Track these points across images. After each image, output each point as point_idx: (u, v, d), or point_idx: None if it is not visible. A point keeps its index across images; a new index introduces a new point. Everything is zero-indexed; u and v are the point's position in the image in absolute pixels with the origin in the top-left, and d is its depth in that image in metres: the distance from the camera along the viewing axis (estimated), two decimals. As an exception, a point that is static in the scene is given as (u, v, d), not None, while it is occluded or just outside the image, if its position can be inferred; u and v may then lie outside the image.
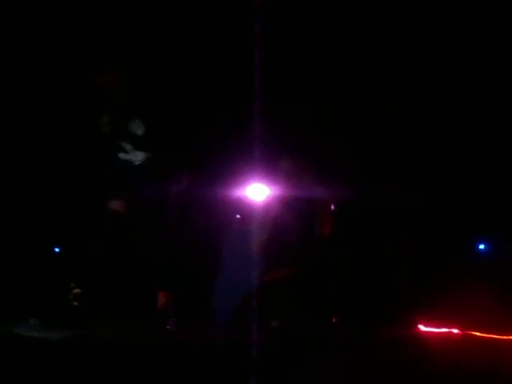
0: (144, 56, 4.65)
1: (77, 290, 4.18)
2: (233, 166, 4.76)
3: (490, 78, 4.88)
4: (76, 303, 4.17)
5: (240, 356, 3.38)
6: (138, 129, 4.28)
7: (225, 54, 4.97)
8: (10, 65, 4.67)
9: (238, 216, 4.97)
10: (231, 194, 4.74)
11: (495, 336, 4.36)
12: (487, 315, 4.46)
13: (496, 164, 4.91)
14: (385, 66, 4.94)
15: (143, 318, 4.26)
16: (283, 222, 4.54)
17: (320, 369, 3.37)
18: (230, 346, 3.69)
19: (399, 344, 3.97)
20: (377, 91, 4.95)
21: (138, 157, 4.28)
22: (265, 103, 4.54)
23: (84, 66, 4.35)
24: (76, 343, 3.58)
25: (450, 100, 4.95)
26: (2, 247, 4.68)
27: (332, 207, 4.65)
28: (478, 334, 4.45)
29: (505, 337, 4.34)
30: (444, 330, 4.60)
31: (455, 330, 4.58)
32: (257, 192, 4.73)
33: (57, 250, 4.92)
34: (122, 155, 4.28)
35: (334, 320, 4.57)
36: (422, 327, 4.63)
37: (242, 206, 4.85)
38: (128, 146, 4.28)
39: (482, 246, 5.14)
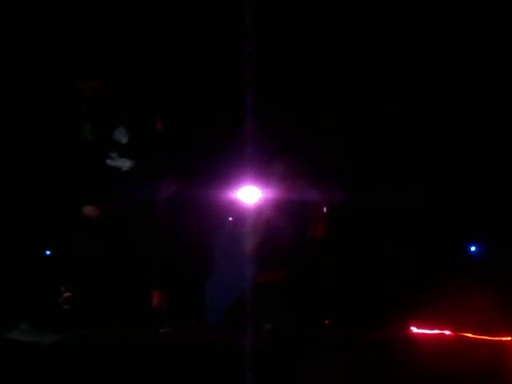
0: (130, 59, 4.66)
1: (67, 294, 4.18)
2: (225, 168, 4.75)
3: (489, 79, 4.88)
4: (67, 307, 4.16)
5: (233, 358, 3.37)
6: (124, 136, 4.31)
7: (216, 55, 4.96)
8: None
9: (230, 219, 4.96)
10: (223, 196, 4.73)
11: (487, 337, 4.37)
12: (480, 317, 4.46)
13: (490, 165, 4.92)
14: (383, 65, 4.94)
15: (137, 319, 4.26)
16: (276, 224, 4.54)
17: (313, 371, 3.37)
18: (223, 349, 3.68)
19: (391, 346, 3.98)
20: (373, 91, 4.95)
21: (125, 163, 4.31)
22: (257, 104, 4.54)
23: (70, 74, 4.37)
24: (67, 347, 3.57)
25: (448, 100, 4.95)
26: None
27: (325, 210, 4.65)
28: (470, 335, 4.46)
29: (497, 338, 4.35)
30: (436, 331, 4.60)
31: (447, 332, 4.59)
32: (249, 194, 4.73)
33: (47, 252, 4.90)
34: (109, 161, 4.31)
35: (326, 322, 4.58)
36: (414, 329, 4.63)
37: (234, 209, 4.84)
38: (115, 153, 4.30)
39: (473, 248, 5.15)
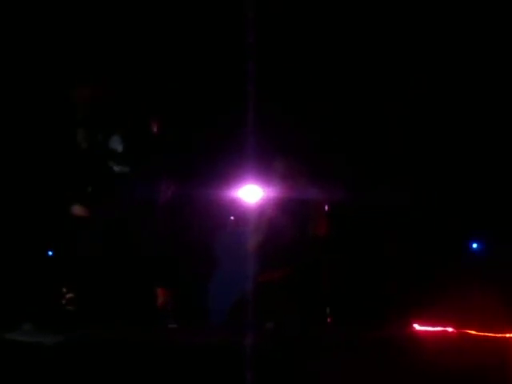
0: (127, 60, 4.67)
1: (70, 295, 4.20)
2: (226, 167, 4.75)
3: (488, 79, 4.87)
4: (70, 307, 4.17)
5: (234, 358, 3.38)
6: (119, 144, 4.34)
7: (216, 55, 4.96)
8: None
9: (231, 218, 4.97)
10: (225, 195, 4.74)
11: (490, 334, 4.36)
12: (482, 314, 4.47)
13: (490, 164, 4.91)
14: (383, 66, 4.93)
15: (142, 317, 4.28)
16: (277, 223, 4.54)
17: (314, 370, 3.37)
18: (225, 348, 3.69)
19: (394, 343, 3.98)
20: (374, 91, 4.94)
21: (123, 168, 4.34)
22: (258, 104, 4.54)
23: (65, 80, 4.39)
24: (70, 347, 3.58)
25: (447, 100, 4.94)
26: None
27: (326, 208, 4.65)
28: (472, 332, 4.46)
29: (500, 335, 4.35)
30: (439, 328, 4.60)
31: (450, 329, 4.59)
32: (251, 194, 4.73)
33: (50, 253, 4.91)
34: (108, 164, 4.34)
35: (328, 321, 4.58)
36: (416, 326, 4.63)
37: (235, 208, 4.85)
38: (112, 159, 4.34)
39: (475, 246, 5.15)
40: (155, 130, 4.63)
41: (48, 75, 4.60)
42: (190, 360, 3.42)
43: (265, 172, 4.67)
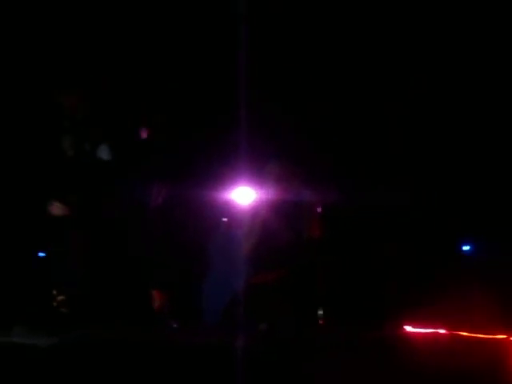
0: (120, 60, 4.66)
1: (61, 297, 4.19)
2: (220, 169, 4.75)
3: (488, 80, 4.89)
4: (63, 309, 4.17)
5: (228, 359, 3.38)
6: (106, 154, 4.36)
7: (210, 55, 4.96)
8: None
9: (224, 219, 4.97)
10: (218, 197, 4.73)
11: (482, 336, 4.38)
12: (474, 315, 4.49)
13: (490, 164, 4.93)
14: (381, 65, 4.94)
15: (139, 319, 4.28)
16: (271, 225, 4.54)
17: (309, 371, 3.38)
18: (219, 349, 3.69)
19: (386, 345, 3.99)
20: (370, 91, 4.94)
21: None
22: (252, 105, 4.54)
23: (51, 87, 4.38)
24: (67, 347, 3.57)
25: (445, 101, 4.95)
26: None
27: (320, 210, 4.66)
28: (464, 334, 4.48)
29: (492, 336, 4.37)
30: (430, 330, 4.61)
31: (442, 331, 4.61)
32: (244, 195, 4.74)
33: (41, 254, 4.89)
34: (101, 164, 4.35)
35: (321, 323, 4.59)
36: (408, 328, 4.65)
37: (229, 210, 4.85)
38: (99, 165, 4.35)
39: (466, 247, 5.17)
40: (148, 131, 4.63)
41: (35, 80, 4.59)
42: (185, 361, 3.42)
43: (258, 174, 4.67)
